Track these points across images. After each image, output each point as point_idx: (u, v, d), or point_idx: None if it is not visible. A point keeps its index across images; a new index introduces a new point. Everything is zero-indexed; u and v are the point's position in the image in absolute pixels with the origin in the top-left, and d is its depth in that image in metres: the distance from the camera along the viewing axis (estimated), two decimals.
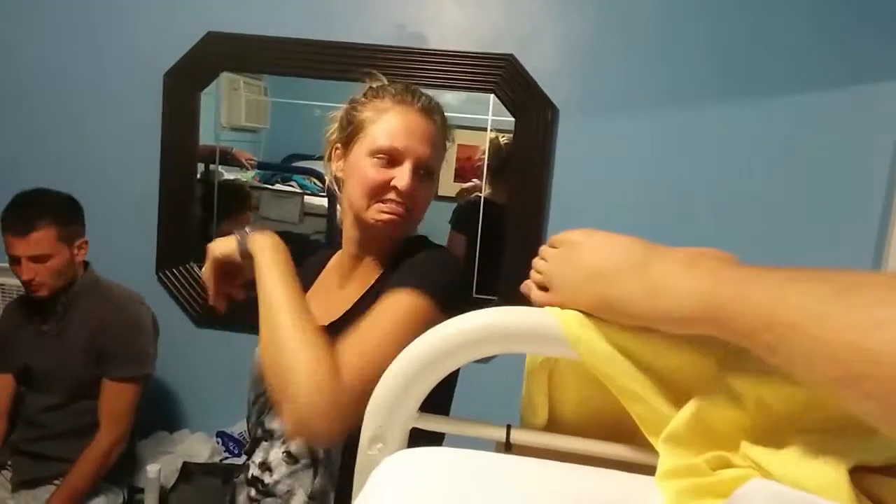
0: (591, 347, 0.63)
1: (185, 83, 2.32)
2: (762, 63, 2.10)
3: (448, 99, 2.29)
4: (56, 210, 1.90)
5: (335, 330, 1.09)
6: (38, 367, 1.98)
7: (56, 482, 1.92)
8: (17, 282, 2.19)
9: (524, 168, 2.22)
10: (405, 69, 2.13)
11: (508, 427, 0.69)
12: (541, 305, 0.68)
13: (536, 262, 0.75)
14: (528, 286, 0.75)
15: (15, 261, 1.88)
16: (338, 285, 1.18)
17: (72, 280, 1.97)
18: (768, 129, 2.11)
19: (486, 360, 2.00)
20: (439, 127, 1.11)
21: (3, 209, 1.88)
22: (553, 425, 0.71)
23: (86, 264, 2.04)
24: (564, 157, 2.21)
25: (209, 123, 2.38)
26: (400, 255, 1.09)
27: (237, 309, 2.54)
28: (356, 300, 1.11)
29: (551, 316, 0.65)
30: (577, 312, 0.64)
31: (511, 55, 2.17)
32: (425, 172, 1.10)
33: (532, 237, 2.21)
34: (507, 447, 0.69)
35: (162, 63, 2.31)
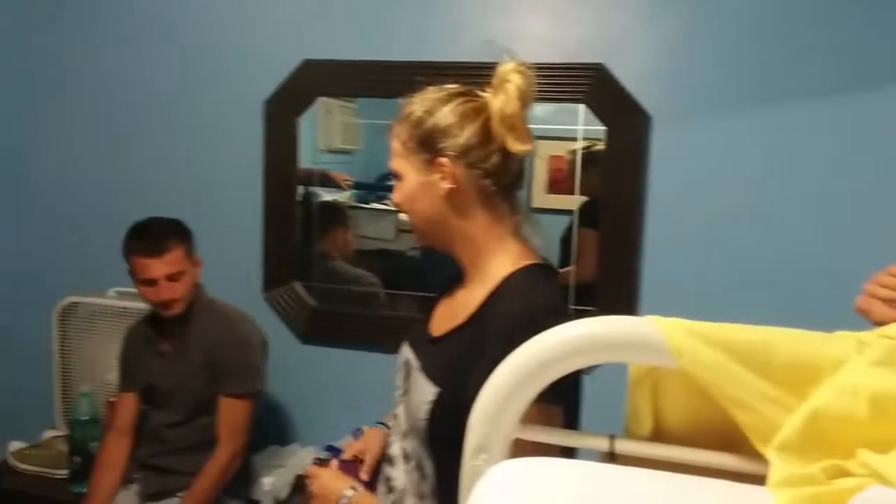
0: (694, 356, 0.62)
1: (283, 110, 2.43)
2: (865, 59, 1.99)
3: (536, 110, 2.29)
4: (178, 230, 2.03)
5: (436, 344, 1.14)
6: (160, 386, 2.11)
7: (180, 495, 2.04)
8: (137, 305, 2.35)
9: (617, 177, 2.19)
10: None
11: (612, 437, 0.69)
12: (883, 322, 0.66)
13: (883, 277, 0.74)
14: (869, 301, 0.74)
15: (149, 283, 1.98)
16: (451, 298, 1.21)
17: (190, 301, 2.09)
18: (873, 127, 1.99)
19: (588, 371, 1.99)
20: (401, 124, 1.15)
21: (126, 238, 2.01)
22: (658, 435, 0.71)
23: (198, 286, 2.16)
24: (660, 164, 2.16)
25: (307, 147, 2.48)
26: (496, 299, 1.07)
27: (340, 326, 2.63)
28: (459, 323, 1.12)
29: (653, 325, 0.64)
30: (681, 320, 0.64)
31: (600, 64, 2.16)
32: (395, 177, 1.15)
33: (627, 247, 2.17)
34: (611, 457, 0.69)
35: (262, 92, 2.42)
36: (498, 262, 1.11)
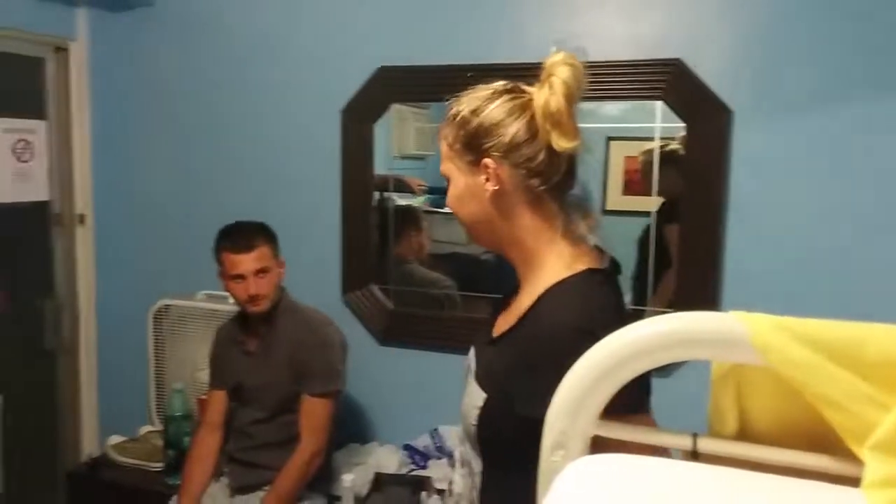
0: (783, 354, 0.60)
1: (359, 118, 2.49)
2: None
3: (612, 110, 2.27)
4: (265, 231, 2.14)
5: (489, 347, 1.13)
6: (246, 384, 2.19)
7: (266, 489, 2.11)
8: (225, 307, 2.46)
9: (697, 175, 2.14)
10: None
11: (695, 435, 0.68)
12: None
13: None
14: None
15: (238, 278, 2.08)
16: (511, 301, 1.18)
17: (275, 301, 2.16)
18: None
19: (667, 374, 1.96)
20: (447, 125, 1.12)
21: (217, 238, 2.12)
22: (743, 434, 0.69)
23: (281, 289, 2.23)
24: (742, 161, 2.10)
25: (382, 153, 2.53)
26: (539, 309, 1.05)
27: (417, 328, 2.66)
28: (507, 329, 1.10)
29: (738, 321, 0.63)
30: (768, 316, 0.62)
31: (678, 59, 2.11)
32: (446, 180, 1.14)
33: (708, 247, 2.12)
34: (694, 456, 0.68)
35: (339, 100, 2.49)
36: (549, 265, 1.07)
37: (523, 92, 1.08)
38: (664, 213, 2.22)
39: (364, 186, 2.53)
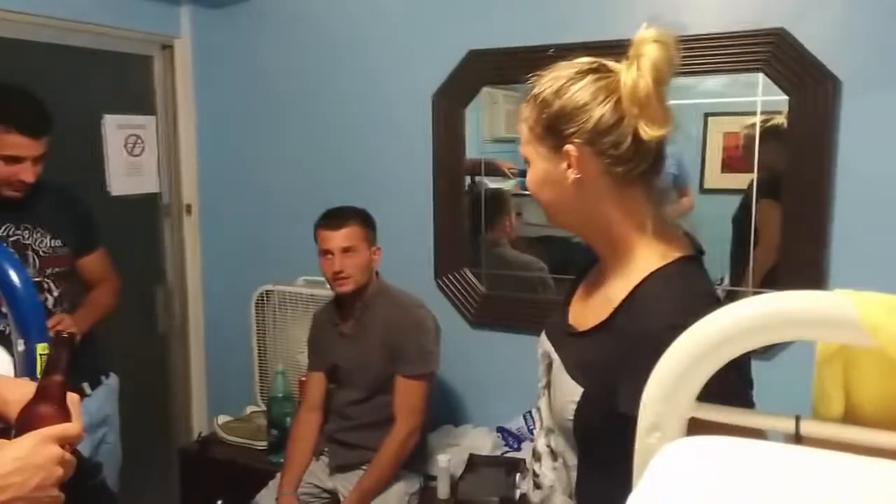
0: (894, 335, 0.57)
1: (450, 101, 2.50)
2: None
3: (710, 85, 2.18)
4: (361, 214, 2.23)
5: (577, 339, 1.08)
6: (343, 366, 2.26)
7: (363, 467, 2.18)
8: (324, 292, 2.53)
9: (802, 150, 2.03)
10: None
11: (798, 418, 0.66)
12: None
13: None
14: None
15: (327, 254, 2.17)
16: (591, 287, 1.14)
17: (366, 284, 2.22)
18: None
19: (769, 357, 1.89)
20: (528, 106, 1.06)
21: (317, 219, 2.22)
22: (849, 417, 0.66)
23: (376, 274, 2.28)
24: (851, 133, 1.98)
25: (473, 137, 2.53)
26: (636, 304, 0.99)
27: (509, 311, 2.66)
28: (602, 320, 1.04)
29: (846, 300, 0.60)
30: (878, 294, 0.59)
31: (781, 28, 2.01)
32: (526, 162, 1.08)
33: (814, 223, 2.01)
34: (797, 439, 0.65)
35: (430, 85, 2.51)
36: (639, 254, 1.02)
37: (610, 71, 1.00)
38: (764, 191, 2.13)
39: (455, 170, 2.54)
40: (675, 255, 1.01)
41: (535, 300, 2.46)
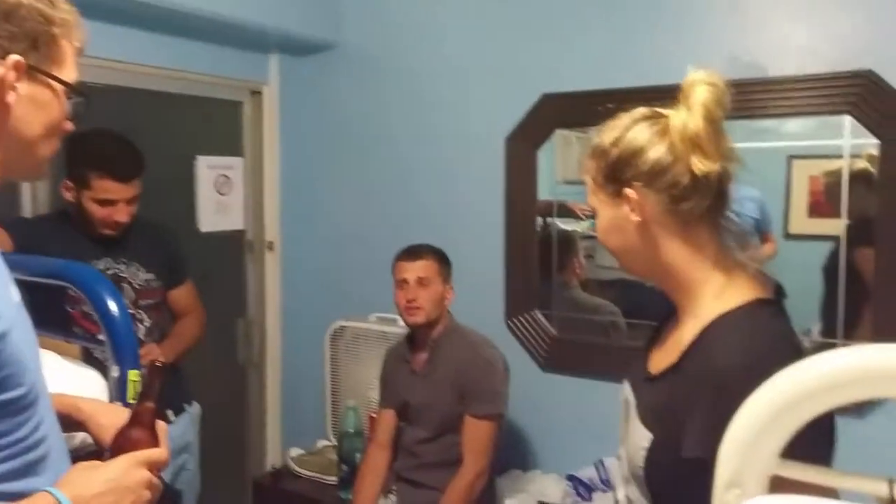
0: None
1: (523, 144, 2.52)
2: None
3: (794, 127, 2.13)
4: (437, 251, 2.27)
5: (650, 383, 1.08)
6: (413, 403, 2.27)
7: None
8: (396, 329, 2.56)
9: (894, 194, 1.95)
10: (743, 101, 2.04)
11: (892, 481, 0.62)
12: None
13: None
14: None
15: (402, 283, 2.21)
16: (668, 332, 1.13)
17: (437, 319, 2.24)
18: None
19: (860, 415, 1.81)
20: (589, 157, 1.10)
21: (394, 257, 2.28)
22: None
23: (447, 313, 2.29)
24: None
25: (545, 179, 2.54)
26: (704, 346, 0.98)
27: (581, 355, 2.62)
28: (670, 364, 1.04)
29: None
30: None
31: (869, 70, 1.95)
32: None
33: None
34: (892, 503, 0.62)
35: (504, 127, 2.54)
36: (708, 295, 1.02)
37: (662, 116, 1.04)
38: (854, 237, 2.04)
39: (527, 211, 2.55)
40: (748, 297, 1.00)
41: (608, 345, 2.42)
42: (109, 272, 2.06)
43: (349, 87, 2.93)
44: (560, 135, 2.49)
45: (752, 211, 2.14)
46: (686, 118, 0.98)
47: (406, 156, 2.82)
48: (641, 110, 1.07)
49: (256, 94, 3.04)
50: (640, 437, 1.03)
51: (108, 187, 1.98)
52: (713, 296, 1.01)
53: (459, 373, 2.18)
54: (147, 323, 2.16)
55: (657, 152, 1.01)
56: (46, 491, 0.83)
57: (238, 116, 3.03)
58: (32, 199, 2.31)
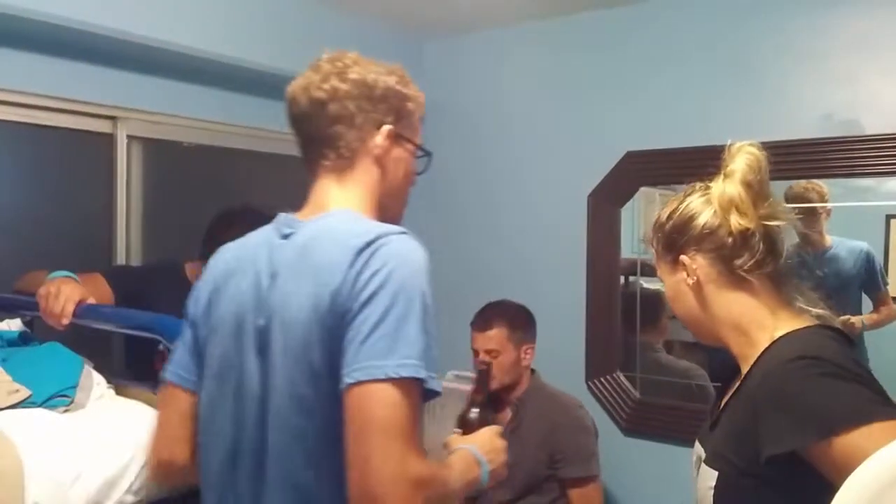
0: None
1: (607, 201, 2.50)
2: None
3: (891, 186, 2.03)
4: (509, 315, 2.22)
5: (714, 428, 1.13)
6: None
7: None
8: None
9: None
10: (835, 160, 1.96)
11: None
12: None
13: None
14: None
15: (475, 353, 2.21)
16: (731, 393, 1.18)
17: (516, 381, 2.20)
18: None
19: None
20: (652, 231, 1.23)
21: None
22: None
23: (532, 371, 2.26)
24: None
25: (629, 236, 2.49)
26: (761, 362, 1.04)
27: (664, 419, 2.52)
28: (726, 402, 1.13)
29: None
30: None
31: None
32: None
33: None
34: None
35: (587, 184, 2.53)
36: (768, 336, 1.07)
37: (710, 188, 1.14)
38: None
39: (610, 270, 2.50)
40: (798, 326, 1.06)
41: (693, 409, 2.31)
42: None
43: (428, 145, 2.98)
44: (644, 192, 2.46)
45: (857, 269, 2.07)
46: (723, 185, 1.10)
47: (486, 214, 2.83)
48: (698, 184, 1.17)
49: None
50: (707, 479, 1.05)
51: None
52: (771, 336, 1.06)
53: (550, 433, 2.13)
54: None
55: (704, 218, 1.11)
56: (465, 448, 1.14)
57: None
58: (125, 247, 2.40)
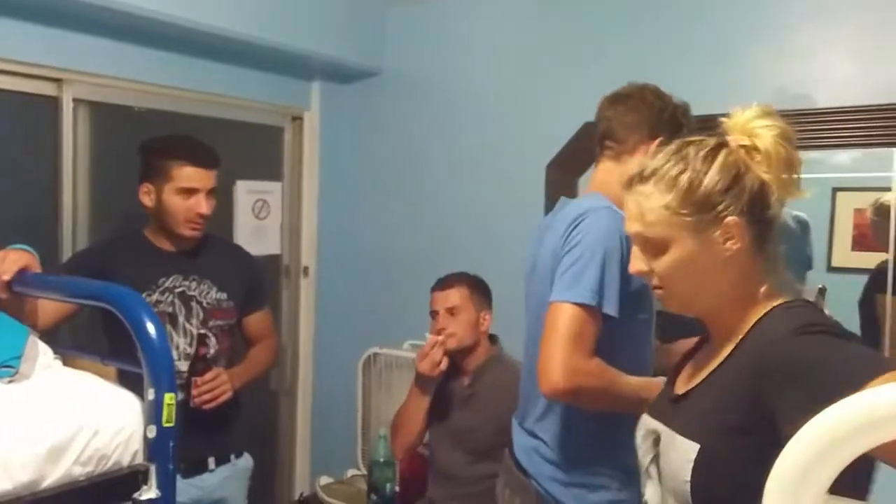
0: None
1: (564, 172, 2.51)
2: None
3: (840, 159, 2.08)
4: (470, 278, 2.29)
5: (683, 400, 1.10)
6: (453, 426, 2.24)
7: None
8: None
9: None
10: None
11: None
12: None
13: None
14: None
15: (434, 315, 2.24)
16: (693, 366, 1.16)
17: (474, 345, 2.23)
18: None
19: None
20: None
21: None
22: None
23: (493, 339, 2.29)
24: None
25: None
26: (757, 332, 1.01)
27: None
28: (706, 375, 1.08)
29: None
30: None
31: None
32: None
33: None
34: None
35: (545, 155, 2.54)
36: (746, 316, 1.05)
37: (727, 145, 1.07)
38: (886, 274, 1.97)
39: None
40: (779, 301, 1.04)
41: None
42: (178, 289, 1.96)
43: (389, 115, 2.97)
44: None
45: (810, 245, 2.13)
46: (774, 144, 1.02)
47: (444, 182, 2.82)
48: (703, 139, 1.08)
49: (297, 119, 3.08)
50: (684, 451, 1.02)
51: (189, 174, 1.91)
52: (750, 313, 1.05)
53: (506, 401, 2.15)
54: (215, 346, 2.00)
55: (750, 181, 1.03)
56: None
57: (278, 142, 3.07)
58: (72, 217, 2.34)
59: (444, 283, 2.27)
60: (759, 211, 1.04)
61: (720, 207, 1.02)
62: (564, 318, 1.35)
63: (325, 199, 3.15)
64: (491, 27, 2.71)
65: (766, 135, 1.03)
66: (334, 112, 3.09)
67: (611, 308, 1.36)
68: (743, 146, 1.05)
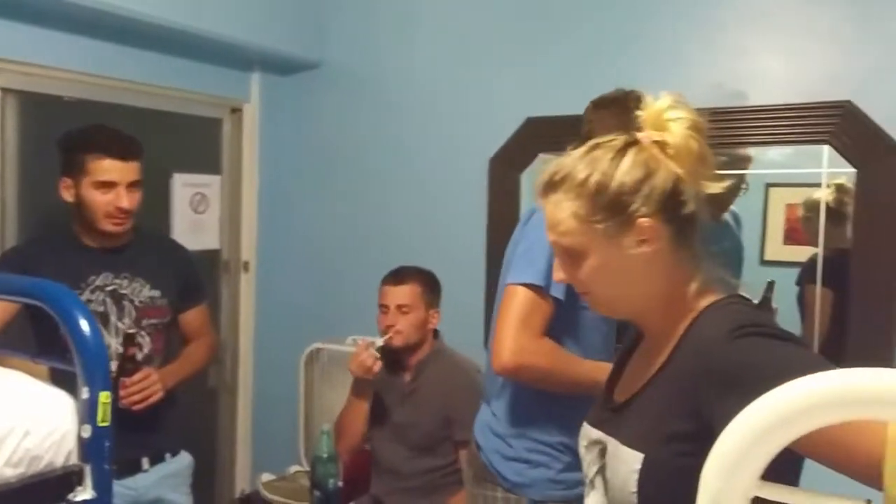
0: None
1: (506, 167, 2.53)
2: None
3: (773, 155, 2.15)
4: (423, 276, 2.27)
5: (624, 409, 1.06)
6: (395, 421, 2.24)
7: None
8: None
9: (869, 225, 1.96)
10: (725, 129, 2.06)
11: (869, 502, 0.61)
12: None
13: None
14: None
15: (383, 308, 2.22)
16: (631, 371, 1.14)
17: (419, 343, 2.22)
18: None
19: None
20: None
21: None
22: None
23: (436, 333, 2.29)
24: None
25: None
26: (692, 336, 0.99)
27: None
28: (646, 380, 1.04)
29: None
30: None
31: (848, 101, 1.98)
32: None
33: (884, 299, 1.93)
34: None
35: (488, 150, 2.55)
36: (678, 317, 1.02)
37: (637, 142, 1.03)
38: (825, 265, 2.05)
39: (510, 234, 2.53)
40: (715, 298, 1.02)
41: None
42: (108, 288, 1.90)
43: (331, 107, 2.93)
44: (543, 159, 2.50)
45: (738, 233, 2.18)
46: (685, 138, 0.98)
47: (388, 177, 2.81)
48: (610, 139, 1.05)
49: (236, 111, 3.02)
50: (629, 462, 0.99)
51: (106, 167, 1.83)
52: (684, 313, 1.02)
53: (446, 395, 2.16)
54: (148, 345, 1.95)
55: (661, 178, 0.99)
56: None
57: (217, 134, 3.00)
58: (1, 210, 2.25)
59: (397, 278, 2.24)
60: (673, 209, 0.99)
61: (631, 209, 0.99)
62: (517, 299, 1.43)
63: (265, 193, 3.09)
64: (435, 19, 2.71)
65: (676, 128, 0.99)
66: (275, 104, 3.04)
67: (558, 291, 1.42)
68: (656, 142, 1.00)
